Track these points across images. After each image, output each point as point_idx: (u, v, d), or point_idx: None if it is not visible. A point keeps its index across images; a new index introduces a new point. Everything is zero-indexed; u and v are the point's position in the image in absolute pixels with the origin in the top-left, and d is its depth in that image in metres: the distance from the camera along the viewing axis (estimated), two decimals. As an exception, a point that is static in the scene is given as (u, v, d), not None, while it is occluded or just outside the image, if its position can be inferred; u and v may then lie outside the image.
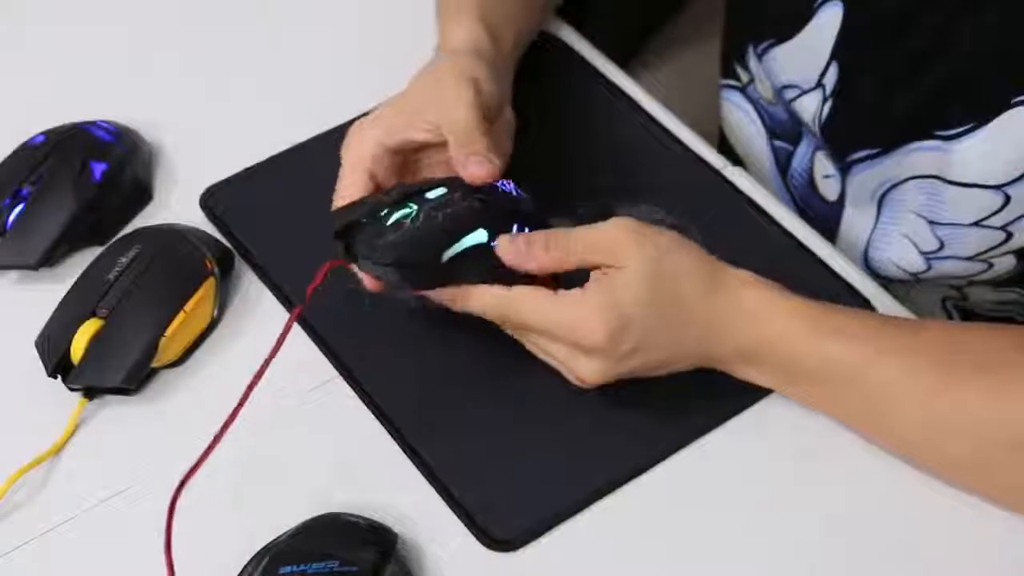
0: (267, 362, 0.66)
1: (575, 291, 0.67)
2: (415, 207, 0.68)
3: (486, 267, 0.68)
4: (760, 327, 0.68)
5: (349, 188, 0.73)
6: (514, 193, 0.71)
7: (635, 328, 0.66)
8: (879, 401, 0.68)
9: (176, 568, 0.63)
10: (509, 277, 0.68)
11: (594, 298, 0.66)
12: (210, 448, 0.65)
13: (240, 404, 0.65)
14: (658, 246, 0.67)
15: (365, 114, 0.76)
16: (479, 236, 0.68)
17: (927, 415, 0.67)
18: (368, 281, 0.71)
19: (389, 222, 0.68)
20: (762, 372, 0.70)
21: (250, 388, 0.66)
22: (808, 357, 0.68)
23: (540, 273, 0.68)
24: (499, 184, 0.70)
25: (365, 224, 0.69)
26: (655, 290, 0.67)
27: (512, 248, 0.68)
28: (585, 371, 0.67)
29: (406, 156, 0.75)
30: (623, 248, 0.67)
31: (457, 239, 0.67)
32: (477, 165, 0.70)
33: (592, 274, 0.68)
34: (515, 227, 0.68)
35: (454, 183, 0.70)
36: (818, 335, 0.68)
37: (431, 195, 0.69)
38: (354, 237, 0.69)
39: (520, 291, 0.67)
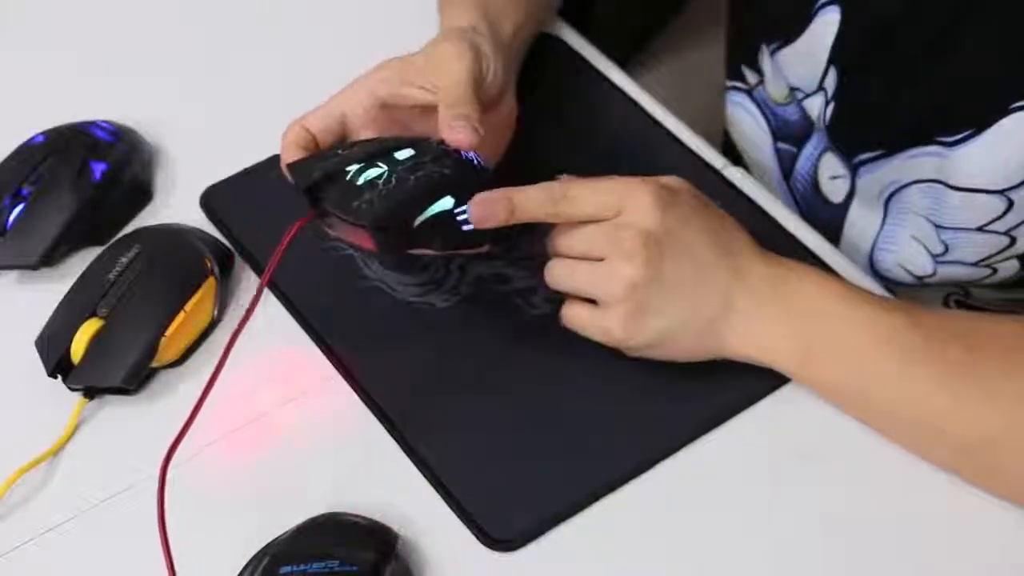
0: (241, 325, 0.67)
1: None
2: (385, 167, 0.67)
3: (452, 234, 0.67)
4: (790, 283, 0.69)
5: (311, 119, 0.73)
6: (476, 164, 0.70)
7: (677, 210, 0.68)
8: (905, 369, 0.67)
9: (176, 568, 0.63)
10: (472, 245, 0.68)
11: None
12: (195, 411, 0.66)
13: (220, 364, 0.67)
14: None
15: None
16: (446, 203, 0.67)
17: (953, 388, 0.66)
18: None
19: (360, 181, 0.67)
20: (778, 325, 0.69)
21: (227, 350, 0.67)
22: (835, 315, 0.68)
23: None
24: (464, 153, 0.69)
25: (334, 181, 0.68)
26: (694, 212, 0.69)
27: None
28: (629, 244, 0.66)
29: (396, 116, 0.74)
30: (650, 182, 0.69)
31: (429, 204, 0.67)
32: (462, 130, 0.69)
33: None
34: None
35: (421, 146, 0.69)
36: (850, 300, 0.68)
37: (400, 156, 0.68)
38: (324, 194, 0.68)
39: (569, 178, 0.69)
